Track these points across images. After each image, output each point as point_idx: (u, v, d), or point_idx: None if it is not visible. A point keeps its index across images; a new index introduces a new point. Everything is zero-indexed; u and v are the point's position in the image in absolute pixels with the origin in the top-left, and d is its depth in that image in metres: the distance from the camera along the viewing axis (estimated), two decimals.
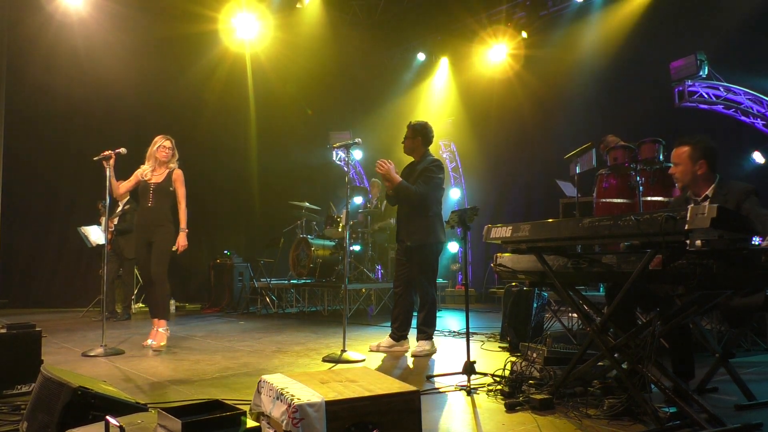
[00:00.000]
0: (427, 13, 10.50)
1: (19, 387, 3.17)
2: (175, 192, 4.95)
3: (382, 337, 4.94)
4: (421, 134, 4.84)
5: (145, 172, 4.97)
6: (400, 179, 4.69)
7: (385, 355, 4.65)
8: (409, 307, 4.85)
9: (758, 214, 2.83)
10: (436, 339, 5.38)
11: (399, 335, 4.78)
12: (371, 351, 4.74)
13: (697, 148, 3.08)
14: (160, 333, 4.94)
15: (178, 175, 4.98)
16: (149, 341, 4.89)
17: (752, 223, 2.42)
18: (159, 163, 4.97)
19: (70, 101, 8.52)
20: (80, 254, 8.31)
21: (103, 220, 6.98)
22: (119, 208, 7.25)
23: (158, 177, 4.94)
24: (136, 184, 5.02)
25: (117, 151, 4.75)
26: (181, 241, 4.94)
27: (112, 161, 4.71)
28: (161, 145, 4.97)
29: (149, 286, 5.04)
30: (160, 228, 4.88)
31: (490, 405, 3.00)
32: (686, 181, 3.13)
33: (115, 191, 4.90)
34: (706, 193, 3.08)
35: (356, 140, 4.70)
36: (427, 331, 4.70)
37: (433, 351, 4.67)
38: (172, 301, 8.45)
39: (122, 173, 5.15)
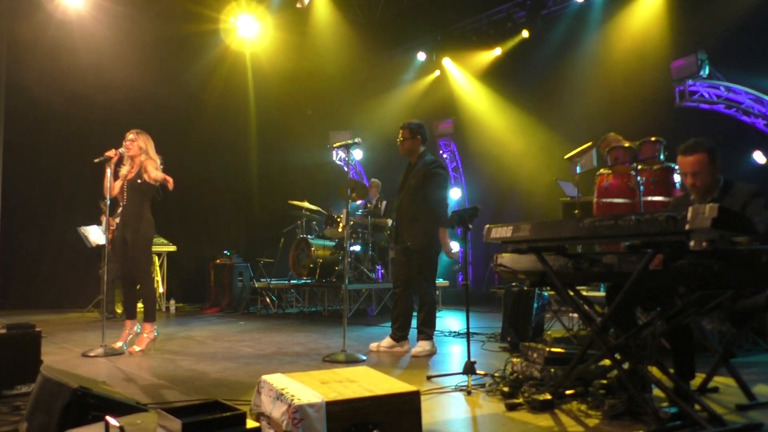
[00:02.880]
0: (427, 13, 10.49)
1: (18, 387, 3.16)
2: (146, 182, 4.73)
3: (383, 337, 4.93)
4: (419, 133, 4.83)
5: (124, 171, 4.87)
6: (442, 229, 4.66)
7: (385, 355, 4.65)
8: (409, 307, 4.84)
9: (763, 216, 2.82)
10: (437, 339, 5.38)
11: (399, 335, 4.78)
12: (371, 351, 4.73)
13: (712, 153, 3.03)
14: (143, 337, 4.75)
15: (146, 165, 4.75)
16: (135, 347, 4.67)
17: (754, 224, 2.41)
18: (130, 158, 4.83)
19: (69, 101, 8.51)
20: (80, 254, 8.30)
21: (104, 218, 6.97)
22: (120, 208, 7.24)
23: (130, 173, 4.81)
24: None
25: (119, 150, 4.73)
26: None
27: (113, 161, 4.69)
28: (126, 139, 4.82)
29: (124, 285, 4.91)
30: (130, 227, 4.74)
31: (490, 405, 2.99)
32: (707, 189, 3.08)
33: (112, 192, 4.83)
34: (713, 195, 3.06)
35: (356, 140, 4.69)
36: (427, 332, 4.69)
37: (433, 351, 4.67)
38: (172, 301, 8.44)
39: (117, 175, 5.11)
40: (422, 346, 4.64)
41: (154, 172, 4.75)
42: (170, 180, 4.77)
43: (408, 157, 4.92)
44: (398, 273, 4.87)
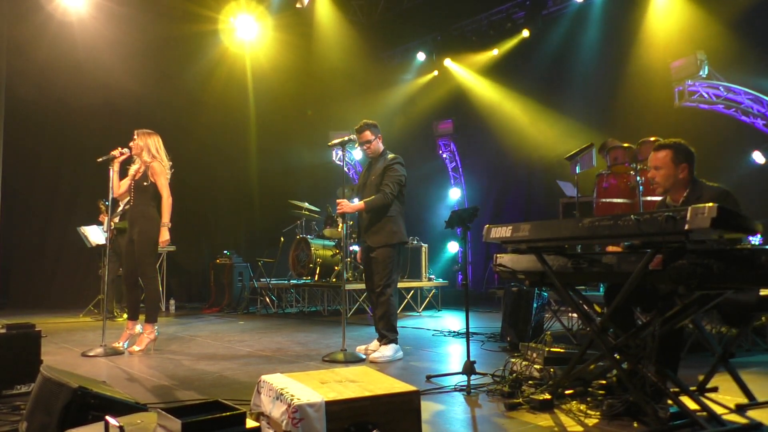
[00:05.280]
0: (426, 13, 10.51)
1: (18, 387, 3.16)
2: (153, 184, 4.76)
3: None
4: (379, 131, 4.71)
5: (132, 170, 4.88)
6: (363, 202, 4.52)
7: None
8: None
9: None
10: (437, 339, 5.38)
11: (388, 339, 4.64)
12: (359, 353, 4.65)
13: (680, 151, 3.05)
14: (143, 336, 4.73)
15: (154, 168, 4.77)
16: (135, 347, 4.65)
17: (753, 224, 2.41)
18: (136, 159, 4.84)
19: (69, 101, 8.52)
20: (80, 254, 8.31)
21: (105, 218, 6.97)
22: (120, 208, 7.25)
23: (138, 173, 4.82)
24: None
25: (123, 150, 4.73)
26: (163, 236, 4.76)
27: (118, 161, 4.68)
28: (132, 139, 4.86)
29: (128, 285, 4.89)
30: (136, 227, 4.75)
31: (490, 405, 3.00)
32: (668, 186, 3.09)
33: (116, 191, 4.83)
34: (683, 195, 3.06)
35: (351, 136, 4.63)
36: (387, 335, 4.48)
37: (397, 357, 4.44)
38: (172, 301, 8.44)
39: (122, 173, 5.13)
40: (382, 351, 4.40)
41: (162, 180, 4.78)
42: (168, 202, 4.81)
43: (373, 157, 4.79)
44: (367, 274, 4.72)
